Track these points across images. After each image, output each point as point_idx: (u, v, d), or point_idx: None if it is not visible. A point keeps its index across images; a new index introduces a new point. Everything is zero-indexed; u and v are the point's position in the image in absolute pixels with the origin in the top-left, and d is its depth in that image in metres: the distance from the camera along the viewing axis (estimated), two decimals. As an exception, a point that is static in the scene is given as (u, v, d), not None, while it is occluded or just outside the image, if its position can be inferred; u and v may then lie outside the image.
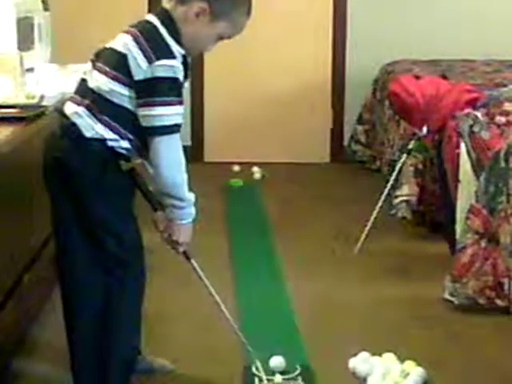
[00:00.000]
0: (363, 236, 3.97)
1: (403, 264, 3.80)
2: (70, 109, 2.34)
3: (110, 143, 2.30)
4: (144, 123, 2.29)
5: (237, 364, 2.74)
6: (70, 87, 2.53)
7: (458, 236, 3.43)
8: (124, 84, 2.27)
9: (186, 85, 2.39)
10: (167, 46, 2.29)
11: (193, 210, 2.41)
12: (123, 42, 2.30)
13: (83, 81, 2.37)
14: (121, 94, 2.28)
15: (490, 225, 3.19)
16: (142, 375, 2.64)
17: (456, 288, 3.24)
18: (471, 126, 3.52)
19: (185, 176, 2.36)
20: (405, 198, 4.14)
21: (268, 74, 5.92)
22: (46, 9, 3.88)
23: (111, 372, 2.45)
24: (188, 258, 2.54)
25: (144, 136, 2.31)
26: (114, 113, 2.29)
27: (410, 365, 2.69)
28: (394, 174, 4.07)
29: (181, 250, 2.49)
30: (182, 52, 2.33)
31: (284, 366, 2.70)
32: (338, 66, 5.93)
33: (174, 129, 2.30)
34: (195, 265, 2.57)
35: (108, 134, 2.30)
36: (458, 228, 3.49)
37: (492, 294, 3.20)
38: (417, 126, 3.96)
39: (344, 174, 5.62)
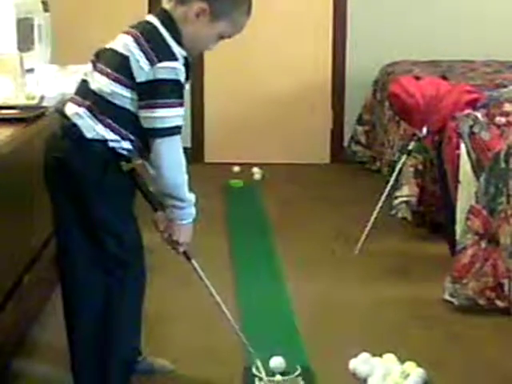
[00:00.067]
0: (363, 236, 3.97)
1: (403, 265, 3.80)
2: (70, 110, 2.34)
3: (111, 144, 2.30)
4: (145, 125, 2.29)
5: (237, 364, 2.73)
6: (70, 88, 2.53)
7: (458, 237, 3.43)
8: (126, 86, 2.27)
9: (187, 86, 2.39)
10: (169, 47, 2.29)
11: (193, 211, 2.41)
12: (124, 43, 2.29)
13: (84, 82, 2.37)
14: (122, 95, 2.28)
15: (490, 225, 3.19)
16: (142, 375, 2.63)
17: (456, 289, 3.24)
18: (471, 127, 3.52)
19: (185, 177, 2.36)
20: (405, 198, 4.15)
21: (268, 74, 5.92)
22: (46, 9, 3.88)
23: (111, 372, 2.45)
24: (188, 258, 2.54)
25: (145, 137, 2.32)
26: (116, 114, 2.29)
27: (410, 366, 2.69)
28: (394, 174, 4.07)
29: (181, 250, 2.49)
30: (184, 54, 2.33)
31: (284, 367, 2.70)
32: (338, 66, 5.93)
33: (175, 130, 2.30)
34: (195, 265, 2.57)
35: (109, 135, 2.30)
36: (458, 229, 3.49)
37: (492, 295, 3.20)
38: (417, 127, 3.95)
39: (344, 175, 5.61)
